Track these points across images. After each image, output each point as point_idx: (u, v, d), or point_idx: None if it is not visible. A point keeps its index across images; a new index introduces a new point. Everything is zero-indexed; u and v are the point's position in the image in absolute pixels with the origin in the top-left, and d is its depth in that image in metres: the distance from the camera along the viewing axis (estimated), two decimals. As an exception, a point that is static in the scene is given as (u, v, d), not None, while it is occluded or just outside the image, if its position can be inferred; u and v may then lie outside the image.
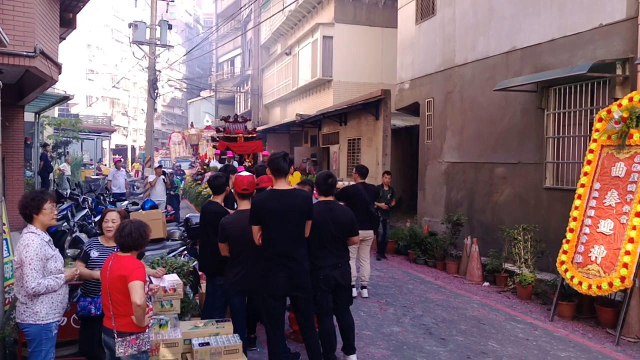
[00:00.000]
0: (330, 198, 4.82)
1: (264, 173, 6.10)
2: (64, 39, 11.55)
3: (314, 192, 5.32)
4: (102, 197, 11.15)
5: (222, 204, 5.35)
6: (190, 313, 5.33)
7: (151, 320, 3.54)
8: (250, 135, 15.30)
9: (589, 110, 7.50)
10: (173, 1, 21.68)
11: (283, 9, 20.14)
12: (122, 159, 26.39)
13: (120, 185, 13.94)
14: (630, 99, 6.12)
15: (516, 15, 8.72)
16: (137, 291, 3.28)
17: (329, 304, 4.62)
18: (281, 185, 4.22)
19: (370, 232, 7.30)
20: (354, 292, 7.04)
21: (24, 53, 7.15)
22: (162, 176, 12.65)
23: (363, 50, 18.31)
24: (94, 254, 4.15)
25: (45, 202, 3.69)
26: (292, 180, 9.08)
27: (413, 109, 12.65)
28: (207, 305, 5.30)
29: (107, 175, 17.21)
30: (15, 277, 3.64)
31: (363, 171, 7.45)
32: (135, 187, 20.48)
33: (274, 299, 4.14)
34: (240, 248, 4.49)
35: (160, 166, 13.46)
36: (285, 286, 4.11)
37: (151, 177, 12.92)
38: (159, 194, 12.45)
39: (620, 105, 6.22)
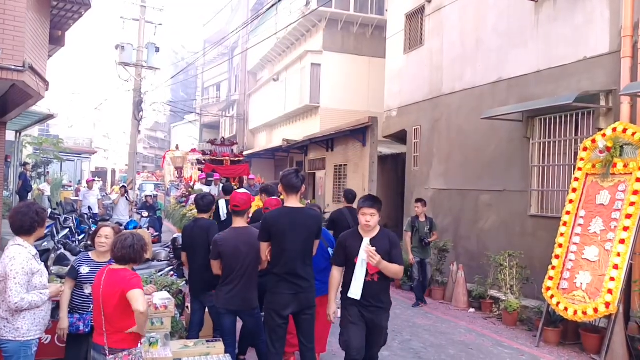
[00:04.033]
0: None
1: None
2: (51, 56, 11.51)
3: None
4: (85, 217, 10.98)
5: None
6: (178, 334, 5.21)
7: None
8: (237, 159, 15.28)
9: (573, 140, 7.70)
10: (161, 24, 21.82)
11: (276, 34, 20.39)
12: (101, 180, 25.82)
13: (91, 205, 13.58)
14: (614, 130, 6.33)
15: (503, 47, 8.99)
16: (138, 299, 3.21)
17: None
18: (292, 202, 4.23)
19: None
20: None
21: (13, 67, 7.09)
22: (125, 195, 12.71)
23: (350, 78, 18.60)
24: (85, 269, 4.06)
25: (47, 215, 3.78)
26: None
27: (400, 137, 12.82)
28: (193, 325, 5.22)
29: None
30: None
31: (349, 196, 7.64)
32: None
33: (279, 316, 4.10)
34: (232, 266, 4.45)
35: (123, 186, 13.53)
36: (291, 304, 4.10)
37: (114, 196, 12.98)
38: (121, 213, 12.56)
39: (604, 135, 6.42)
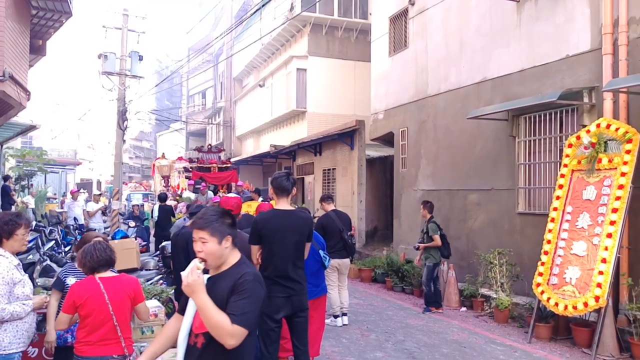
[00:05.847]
0: None
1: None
2: (32, 65, 11.39)
3: None
4: (71, 228, 10.85)
5: None
6: (169, 343, 5.14)
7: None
8: (224, 166, 15.20)
9: (558, 137, 7.78)
10: (144, 33, 21.67)
11: (260, 39, 20.38)
12: (86, 191, 25.46)
13: (76, 216, 13.52)
14: (598, 126, 6.40)
15: (486, 47, 9.07)
16: (146, 311, 3.63)
17: None
18: (283, 205, 4.21)
19: (347, 261, 7.33)
20: (340, 320, 7.14)
21: (-8, 76, 7.01)
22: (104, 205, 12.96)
23: (336, 82, 18.63)
24: (71, 280, 3.98)
25: (19, 227, 3.49)
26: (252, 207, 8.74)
27: (387, 139, 12.86)
28: None
29: None
30: None
31: (329, 200, 7.54)
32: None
33: (272, 320, 4.05)
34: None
35: (100, 194, 13.66)
36: (284, 307, 4.07)
37: (90, 206, 13.13)
38: (97, 220, 13.01)
39: (588, 131, 6.50)
